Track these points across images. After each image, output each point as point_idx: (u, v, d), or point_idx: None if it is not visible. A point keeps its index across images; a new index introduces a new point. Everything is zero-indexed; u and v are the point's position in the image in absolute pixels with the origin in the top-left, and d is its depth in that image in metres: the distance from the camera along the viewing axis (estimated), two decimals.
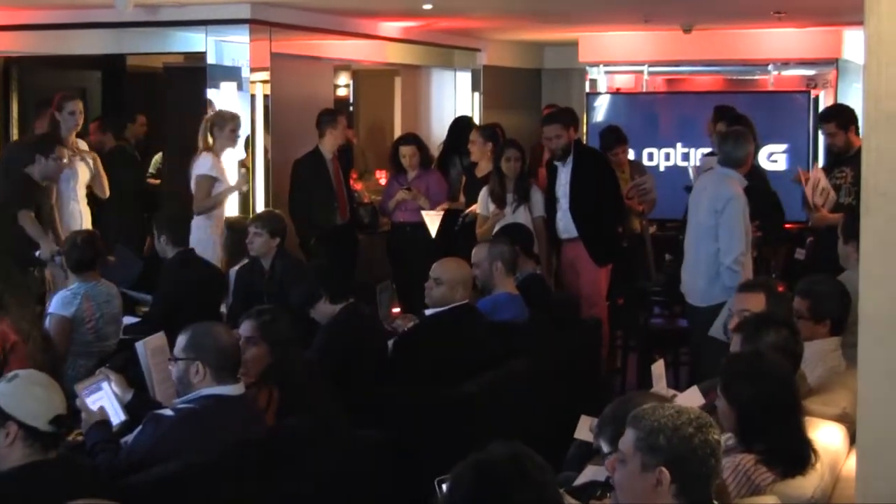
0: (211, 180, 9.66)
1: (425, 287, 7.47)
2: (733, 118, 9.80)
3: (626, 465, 3.67)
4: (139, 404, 5.72)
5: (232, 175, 10.05)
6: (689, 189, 9.72)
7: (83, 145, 10.20)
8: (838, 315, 6.11)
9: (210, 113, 10.25)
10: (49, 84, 11.97)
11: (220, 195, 9.70)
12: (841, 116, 9.05)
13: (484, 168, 10.67)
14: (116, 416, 5.59)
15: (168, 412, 5.27)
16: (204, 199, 9.66)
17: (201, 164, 9.73)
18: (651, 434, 3.62)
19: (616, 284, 10.02)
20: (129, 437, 5.31)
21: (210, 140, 9.83)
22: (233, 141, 9.84)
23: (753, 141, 8.73)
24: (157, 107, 12.77)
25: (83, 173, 9.90)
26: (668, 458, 3.59)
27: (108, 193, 10.17)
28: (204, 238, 9.51)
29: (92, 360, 7.44)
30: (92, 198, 10.06)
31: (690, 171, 10.40)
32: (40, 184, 9.27)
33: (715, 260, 8.07)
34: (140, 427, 5.24)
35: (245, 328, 6.08)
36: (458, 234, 10.45)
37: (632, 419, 3.71)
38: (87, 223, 9.82)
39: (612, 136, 10.86)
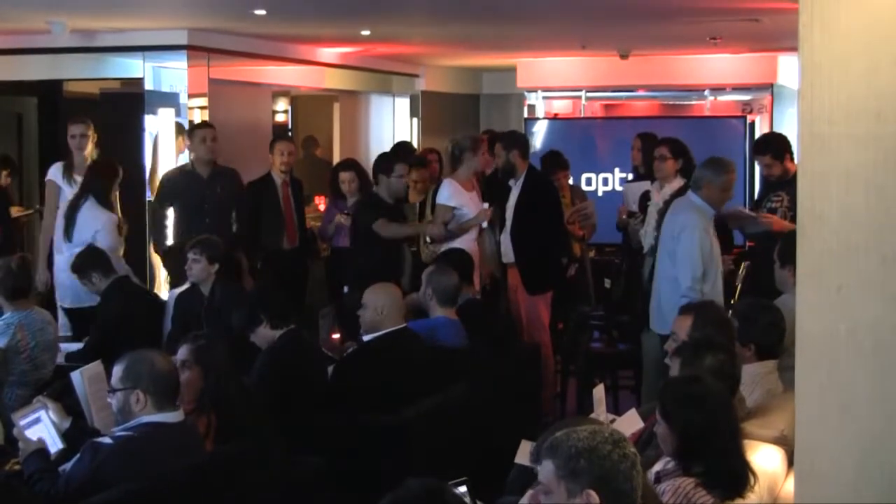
0: (448, 210, 9.33)
1: (358, 313, 7.49)
2: (672, 142, 9.66)
3: (552, 495, 3.62)
4: (77, 432, 5.67)
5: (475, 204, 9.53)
6: (632, 214, 9.69)
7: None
8: (762, 340, 6.13)
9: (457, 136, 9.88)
10: None
11: (461, 226, 9.32)
12: (774, 146, 8.79)
13: (415, 196, 10.67)
14: (54, 445, 5.54)
15: (106, 440, 5.23)
16: None
17: (440, 192, 9.48)
18: (571, 460, 3.58)
19: (556, 309, 9.99)
20: (68, 466, 5.26)
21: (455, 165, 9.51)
22: (478, 164, 9.51)
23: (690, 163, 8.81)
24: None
25: None
26: (593, 479, 3.56)
27: None
28: None
29: (29, 389, 7.35)
30: None
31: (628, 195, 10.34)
32: (387, 201, 9.40)
33: (676, 286, 7.89)
34: (78, 455, 5.20)
35: (181, 352, 6.06)
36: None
37: (547, 449, 3.66)
38: None
39: (554, 160, 10.85)
